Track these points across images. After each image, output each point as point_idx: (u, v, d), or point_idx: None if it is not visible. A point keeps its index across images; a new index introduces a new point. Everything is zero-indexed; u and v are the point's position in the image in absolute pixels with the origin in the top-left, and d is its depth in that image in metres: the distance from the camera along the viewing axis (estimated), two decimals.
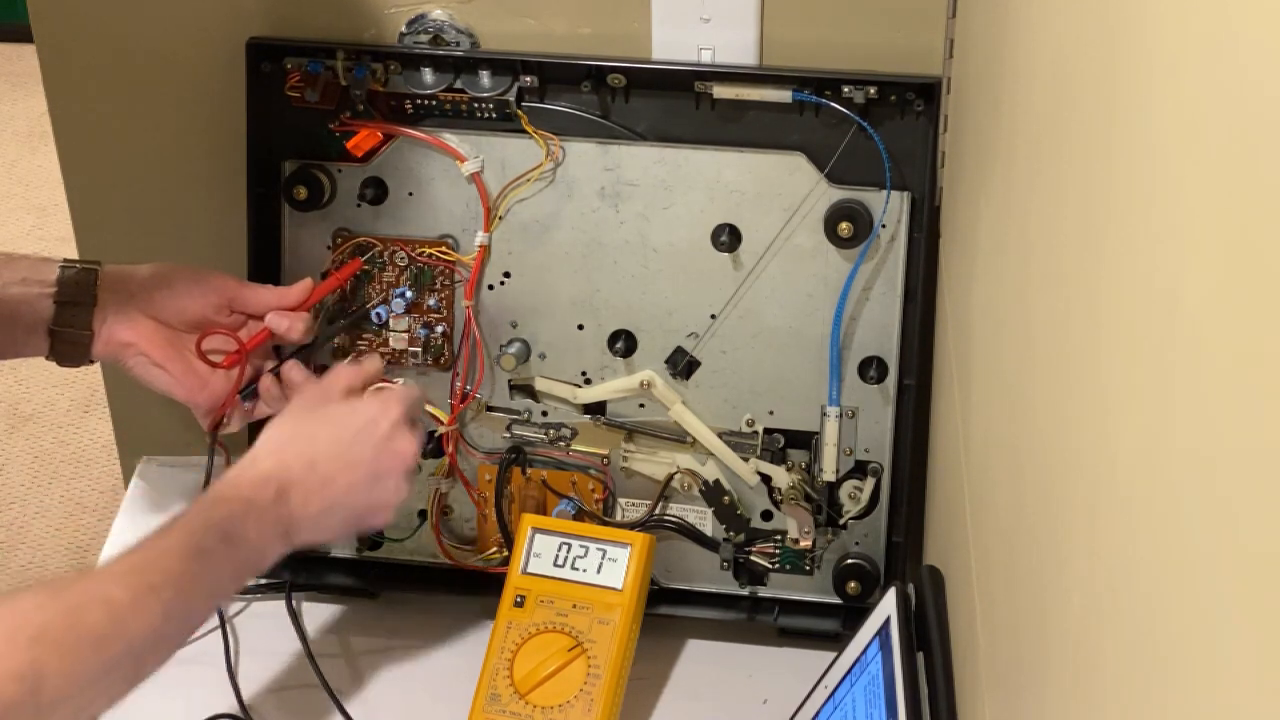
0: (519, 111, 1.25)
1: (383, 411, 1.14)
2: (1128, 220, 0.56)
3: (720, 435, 1.27)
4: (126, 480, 1.49)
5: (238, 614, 1.29)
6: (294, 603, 1.31)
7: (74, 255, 1.45)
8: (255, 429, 1.21)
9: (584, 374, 1.29)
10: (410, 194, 1.28)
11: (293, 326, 1.18)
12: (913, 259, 1.23)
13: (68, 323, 1.13)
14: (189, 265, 1.20)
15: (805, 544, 1.28)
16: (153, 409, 1.38)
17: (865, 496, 1.27)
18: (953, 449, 1.10)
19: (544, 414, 1.31)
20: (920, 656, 1.03)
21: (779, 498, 1.28)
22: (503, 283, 1.28)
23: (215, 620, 1.29)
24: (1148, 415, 0.52)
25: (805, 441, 1.28)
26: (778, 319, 1.25)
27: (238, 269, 1.30)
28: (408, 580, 1.34)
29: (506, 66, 1.25)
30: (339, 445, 1.11)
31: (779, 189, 1.23)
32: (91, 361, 1.17)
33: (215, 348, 1.20)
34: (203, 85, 1.32)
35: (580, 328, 1.28)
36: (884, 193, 1.21)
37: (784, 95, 1.21)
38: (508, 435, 1.31)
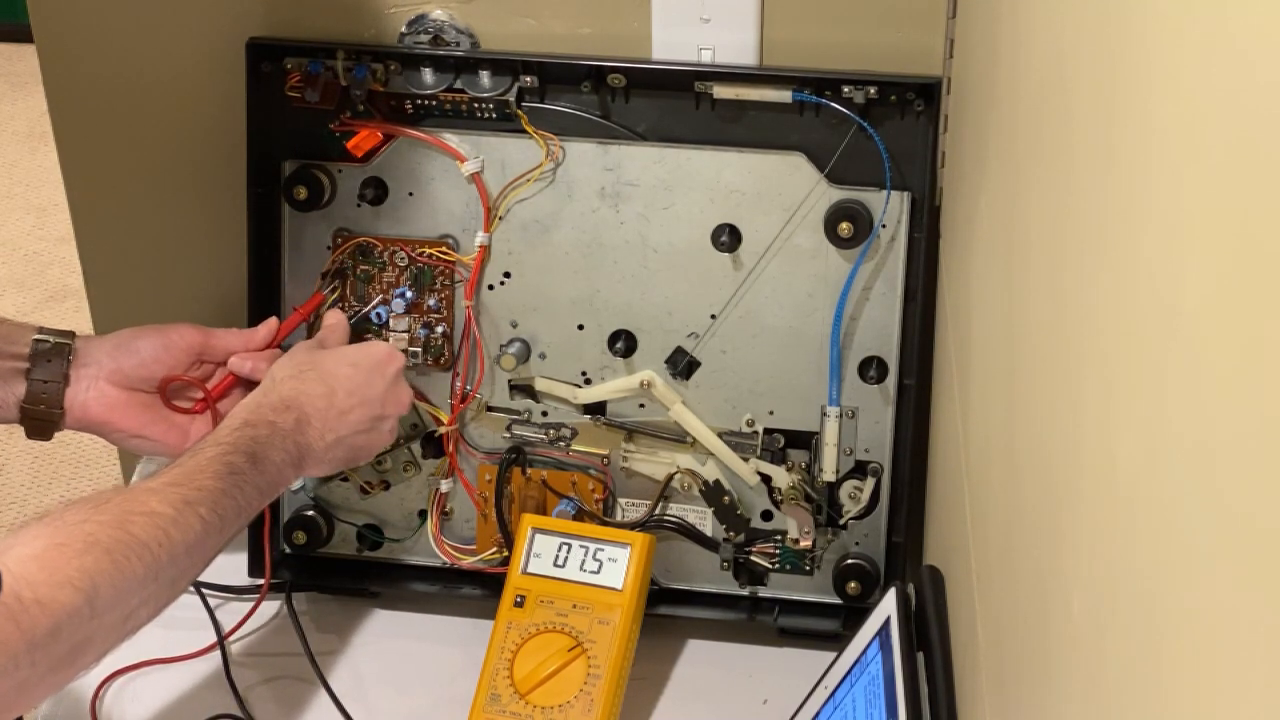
0: (519, 111, 1.25)
1: (390, 355, 1.20)
2: (1127, 219, 0.56)
3: (720, 435, 1.27)
4: (127, 481, 1.49)
5: (238, 614, 1.29)
6: (294, 603, 1.31)
7: (74, 255, 1.45)
8: None
9: (584, 374, 1.29)
10: (410, 194, 1.28)
11: (256, 368, 1.18)
12: (913, 259, 1.23)
13: (39, 401, 1.13)
14: (153, 325, 1.18)
15: (805, 544, 1.28)
16: None
17: (865, 496, 1.27)
18: (953, 449, 1.10)
19: (544, 414, 1.30)
20: (920, 656, 1.03)
21: (779, 498, 1.28)
22: (503, 283, 1.28)
23: (214, 621, 1.29)
24: (1147, 414, 0.52)
25: (805, 441, 1.27)
26: (778, 319, 1.25)
27: (238, 269, 1.30)
28: (408, 580, 1.34)
29: (506, 66, 1.25)
30: (354, 381, 1.15)
31: (779, 189, 1.23)
32: (60, 429, 1.16)
33: (181, 393, 1.19)
34: (203, 85, 1.32)
35: (580, 328, 1.28)
36: (884, 193, 1.21)
37: (784, 95, 1.21)
38: (508, 435, 1.31)
